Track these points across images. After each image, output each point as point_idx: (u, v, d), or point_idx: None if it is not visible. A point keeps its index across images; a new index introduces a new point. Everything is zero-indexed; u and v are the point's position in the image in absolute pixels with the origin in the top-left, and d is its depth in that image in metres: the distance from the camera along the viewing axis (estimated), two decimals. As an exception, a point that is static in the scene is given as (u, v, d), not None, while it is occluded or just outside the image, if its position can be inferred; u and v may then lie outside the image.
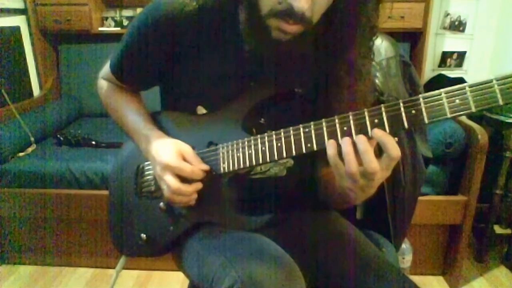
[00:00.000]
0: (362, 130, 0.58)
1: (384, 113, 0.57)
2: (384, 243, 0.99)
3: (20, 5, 2.17)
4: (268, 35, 0.66)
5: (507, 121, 1.67)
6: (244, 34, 0.70)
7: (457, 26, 2.26)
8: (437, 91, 0.53)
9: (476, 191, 1.56)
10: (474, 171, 1.53)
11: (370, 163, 0.56)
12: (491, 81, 0.50)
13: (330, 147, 0.59)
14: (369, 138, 0.57)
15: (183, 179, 0.72)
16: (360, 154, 0.57)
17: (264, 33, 0.66)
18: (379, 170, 0.57)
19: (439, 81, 2.25)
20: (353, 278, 0.75)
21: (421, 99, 0.54)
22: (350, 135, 0.59)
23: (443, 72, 2.30)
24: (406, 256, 1.57)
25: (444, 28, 2.27)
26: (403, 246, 1.55)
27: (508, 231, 2.01)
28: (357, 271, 0.75)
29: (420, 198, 1.15)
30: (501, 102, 0.49)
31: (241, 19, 0.71)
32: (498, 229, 2.02)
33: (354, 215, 1.04)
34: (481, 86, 0.51)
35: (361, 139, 0.57)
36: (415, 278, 0.76)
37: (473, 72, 2.32)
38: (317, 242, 0.83)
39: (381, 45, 1.02)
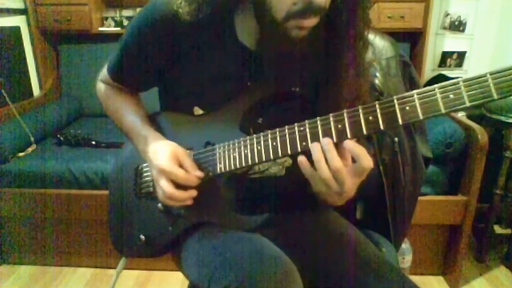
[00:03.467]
0: (356, 127, 0.58)
1: (378, 110, 0.57)
2: (384, 243, 0.99)
3: (20, 5, 2.17)
4: (287, 36, 0.66)
5: (507, 121, 1.66)
6: (259, 43, 0.71)
7: (457, 26, 2.26)
8: (431, 87, 0.53)
9: (476, 191, 1.56)
10: (474, 171, 1.53)
11: (331, 160, 0.59)
12: (485, 75, 0.49)
13: (302, 158, 0.62)
14: (364, 136, 0.59)
15: (178, 184, 0.72)
16: (325, 154, 0.59)
17: (283, 36, 0.66)
18: (344, 170, 0.59)
19: (439, 81, 2.20)
20: (353, 278, 0.75)
21: (415, 95, 0.54)
22: (345, 132, 0.59)
23: (443, 72, 2.30)
24: (406, 256, 1.57)
25: (444, 28, 2.27)
26: (403, 246, 1.55)
27: (508, 231, 2.01)
28: (357, 271, 0.75)
29: (420, 198, 1.14)
30: (495, 97, 0.49)
31: (247, 26, 0.72)
32: (498, 229, 2.02)
33: (354, 215, 1.04)
34: (475, 80, 0.50)
35: (325, 142, 0.60)
36: (415, 278, 0.76)
37: (473, 72, 2.30)
38: (317, 242, 0.82)
39: (381, 45, 1.02)
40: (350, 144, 0.59)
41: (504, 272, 1.81)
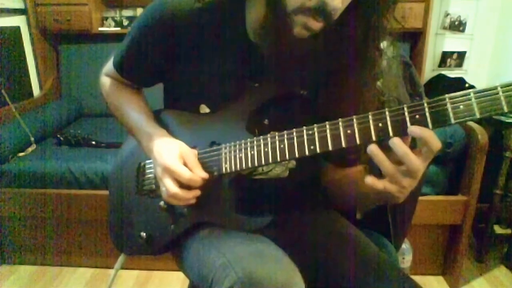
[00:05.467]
0: (365, 134, 0.58)
1: (388, 118, 0.57)
2: (384, 243, 0.99)
3: (20, 5, 2.17)
4: (288, 32, 0.65)
5: (507, 121, 1.67)
6: (259, 33, 0.70)
7: (457, 26, 2.26)
8: (441, 97, 0.53)
9: (476, 191, 1.56)
10: (474, 171, 1.53)
11: (412, 164, 0.55)
12: (496, 88, 0.50)
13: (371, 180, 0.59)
14: (373, 142, 0.57)
15: (182, 184, 0.72)
16: (401, 158, 0.56)
17: (285, 30, 0.65)
18: (422, 166, 0.56)
19: (439, 81, 2.25)
20: (353, 278, 0.75)
21: (425, 104, 0.54)
22: (354, 138, 0.59)
23: (443, 72, 2.30)
24: (406, 256, 1.57)
25: (444, 28, 2.27)
26: (403, 246, 1.55)
27: (508, 231, 2.01)
28: (357, 271, 0.75)
29: (420, 198, 1.14)
30: (505, 109, 0.49)
31: (255, 16, 0.71)
32: (498, 229, 2.02)
33: (354, 215, 1.04)
34: (486, 92, 0.50)
35: (396, 143, 0.56)
36: (415, 278, 0.76)
37: (473, 72, 2.32)
38: (317, 242, 0.82)
39: (382, 45, 1.02)
40: (417, 129, 0.55)
41: (504, 272, 1.81)
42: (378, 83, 0.98)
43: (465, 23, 2.25)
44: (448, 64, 2.32)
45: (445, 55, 2.31)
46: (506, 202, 1.89)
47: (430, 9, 2.05)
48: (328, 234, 0.84)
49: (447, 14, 2.25)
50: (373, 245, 0.84)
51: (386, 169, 0.57)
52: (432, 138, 0.55)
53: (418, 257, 1.69)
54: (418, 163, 0.55)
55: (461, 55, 2.30)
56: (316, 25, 0.64)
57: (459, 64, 2.32)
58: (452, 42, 2.29)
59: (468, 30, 2.26)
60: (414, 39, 2.19)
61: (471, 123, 1.60)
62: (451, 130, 1.58)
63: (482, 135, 1.51)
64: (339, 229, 0.86)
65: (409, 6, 2.05)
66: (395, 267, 0.78)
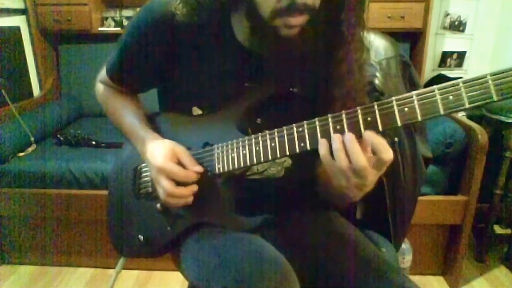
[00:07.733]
0: (355, 128, 0.58)
1: (377, 111, 0.57)
2: (384, 243, 0.99)
3: (20, 5, 2.17)
4: (277, 35, 0.65)
5: (507, 121, 1.66)
6: (251, 42, 0.71)
7: (457, 26, 2.26)
8: (430, 88, 0.53)
9: (476, 191, 1.56)
10: (474, 171, 1.53)
11: (357, 161, 0.56)
12: (485, 76, 0.49)
13: (322, 146, 0.60)
14: (360, 137, 0.58)
15: (178, 182, 0.72)
16: (348, 152, 0.57)
17: (273, 35, 0.66)
18: (369, 167, 0.57)
19: (439, 81, 2.23)
20: (353, 278, 0.75)
21: (414, 96, 0.54)
22: (343, 133, 0.59)
23: (443, 72, 2.30)
24: (406, 256, 1.57)
25: (444, 28, 2.27)
26: (403, 246, 1.55)
27: (508, 231, 2.01)
28: (357, 271, 0.75)
29: (420, 198, 1.14)
30: (495, 98, 0.49)
31: (241, 29, 0.72)
32: (498, 229, 2.02)
33: (354, 215, 1.04)
34: (475, 82, 0.50)
35: (348, 137, 0.57)
36: (415, 278, 0.76)
37: (473, 72, 2.32)
38: (317, 242, 0.82)
39: (381, 45, 1.02)
40: (370, 135, 0.56)
41: (504, 272, 1.81)
42: (377, 82, 0.98)
43: (465, 23, 2.25)
44: (448, 64, 2.32)
45: (445, 55, 2.31)
46: (506, 202, 1.89)
47: (430, 9, 2.05)
48: (328, 234, 0.83)
49: (447, 14, 2.25)
50: (373, 245, 0.84)
51: (339, 162, 0.58)
52: (382, 148, 0.56)
53: (418, 257, 1.69)
54: (362, 162, 0.56)
55: (461, 55, 2.30)
56: (297, 20, 0.63)
57: (459, 64, 2.32)
58: (452, 42, 2.29)
59: (468, 30, 2.26)
60: (414, 39, 2.19)
61: (471, 123, 1.60)
62: (451, 130, 1.58)
63: (482, 135, 1.51)
64: (339, 229, 0.86)
65: (409, 6, 2.05)
66: (395, 267, 0.78)
